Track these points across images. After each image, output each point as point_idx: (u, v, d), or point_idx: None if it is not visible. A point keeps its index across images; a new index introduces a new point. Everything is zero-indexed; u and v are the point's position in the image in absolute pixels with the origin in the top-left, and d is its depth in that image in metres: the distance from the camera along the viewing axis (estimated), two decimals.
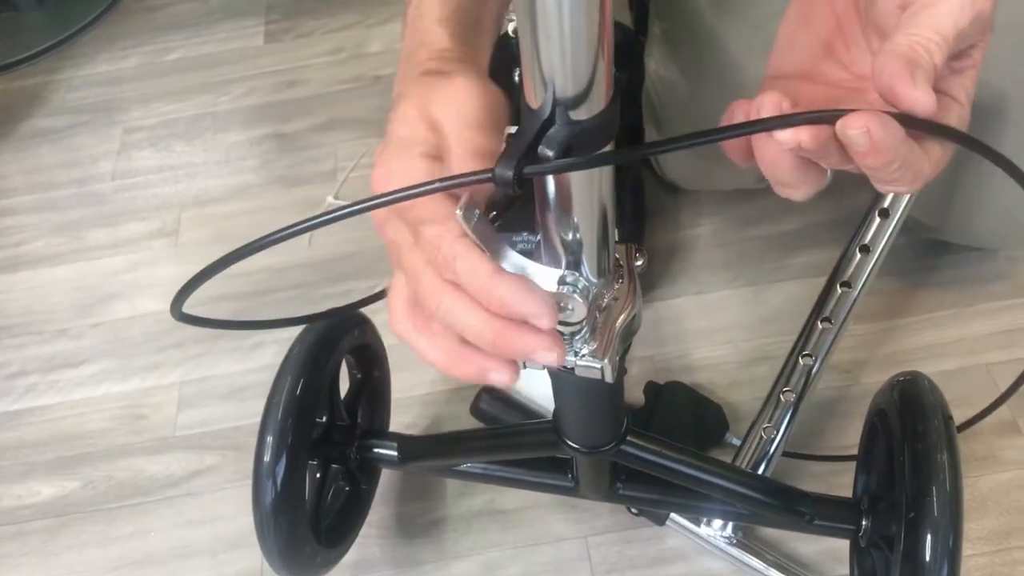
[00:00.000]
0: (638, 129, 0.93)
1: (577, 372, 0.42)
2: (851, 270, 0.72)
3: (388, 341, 0.73)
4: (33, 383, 0.91)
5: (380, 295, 0.49)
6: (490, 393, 0.79)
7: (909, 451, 0.56)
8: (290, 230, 0.33)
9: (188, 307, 0.40)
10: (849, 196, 0.92)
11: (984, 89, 0.72)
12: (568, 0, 0.27)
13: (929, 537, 0.52)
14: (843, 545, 0.70)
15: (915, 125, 0.32)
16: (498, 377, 0.36)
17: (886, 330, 0.84)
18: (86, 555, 0.79)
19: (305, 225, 0.32)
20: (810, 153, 0.32)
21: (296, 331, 0.84)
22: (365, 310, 0.66)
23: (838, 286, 0.71)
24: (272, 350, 0.90)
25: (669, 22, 0.83)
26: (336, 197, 1.03)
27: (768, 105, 0.34)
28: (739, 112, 0.36)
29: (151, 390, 0.89)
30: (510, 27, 0.96)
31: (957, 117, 0.36)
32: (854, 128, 0.31)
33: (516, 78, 1.01)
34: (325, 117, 1.13)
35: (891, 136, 0.31)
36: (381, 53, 1.20)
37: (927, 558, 0.52)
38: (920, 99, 0.32)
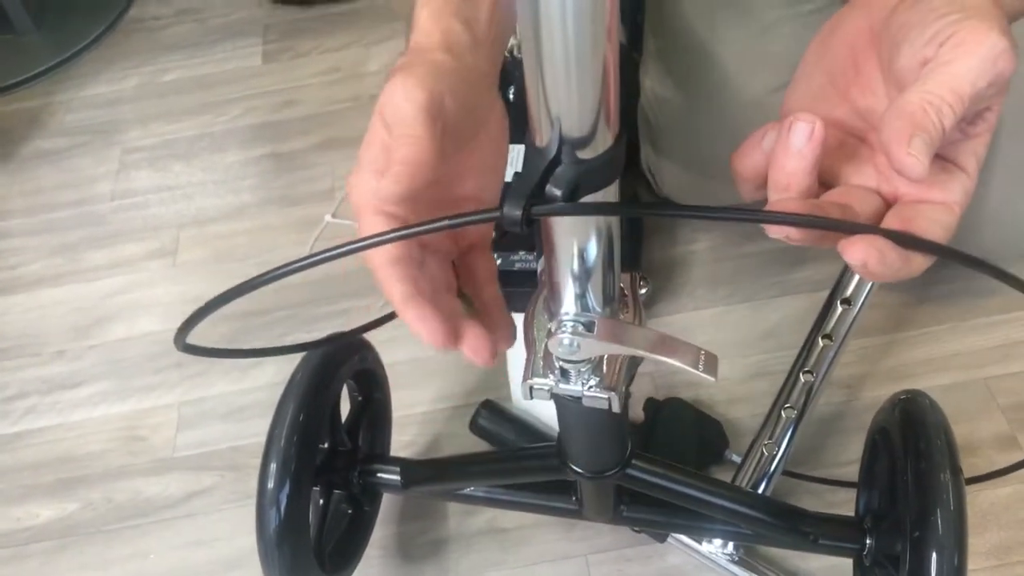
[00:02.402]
0: (632, 146, 0.94)
1: (584, 403, 0.42)
2: (852, 287, 0.72)
3: (387, 360, 0.73)
4: (32, 405, 0.91)
5: (384, 319, 0.49)
6: (489, 409, 0.79)
7: (912, 470, 0.56)
8: (298, 264, 0.32)
9: (169, 326, 0.40)
10: None
11: None
12: (574, 44, 0.27)
13: (934, 556, 0.52)
14: (847, 561, 0.70)
15: (916, 246, 0.31)
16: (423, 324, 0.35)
17: (885, 344, 0.84)
18: None
19: (313, 259, 0.32)
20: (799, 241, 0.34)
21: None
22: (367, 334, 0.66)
23: (839, 303, 0.71)
24: (271, 370, 0.90)
25: (663, 39, 0.84)
26: (334, 216, 1.03)
27: (799, 130, 0.33)
28: (771, 134, 0.36)
29: (150, 411, 0.89)
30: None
31: (962, 188, 0.36)
32: (852, 258, 0.31)
33: (511, 96, 1.01)
34: (323, 136, 1.13)
35: (888, 267, 0.31)
36: (378, 72, 1.20)
37: None
38: (910, 165, 0.32)
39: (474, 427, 0.79)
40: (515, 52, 0.90)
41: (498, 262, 0.81)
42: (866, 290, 0.71)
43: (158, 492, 0.83)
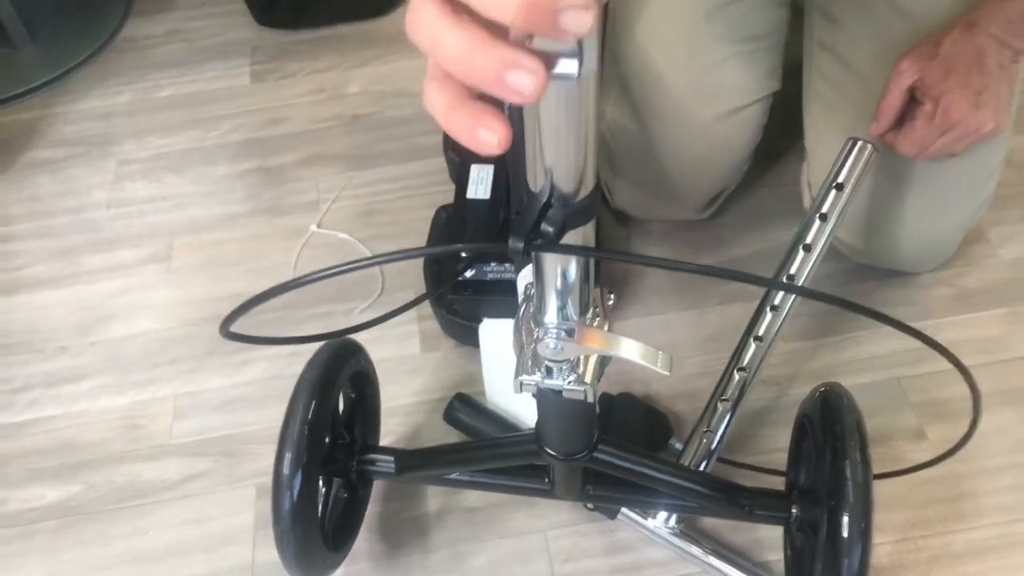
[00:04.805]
0: None
1: (564, 395, 0.51)
2: (779, 296, 0.82)
3: (373, 357, 0.82)
4: (36, 397, 0.98)
5: (398, 311, 0.57)
6: (461, 401, 0.88)
7: (829, 449, 0.65)
8: (337, 269, 0.41)
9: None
10: (777, 230, 1.04)
11: None
12: (565, 122, 0.36)
13: (846, 520, 0.61)
14: (769, 535, 0.80)
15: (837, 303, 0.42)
16: (486, 135, 0.30)
17: (812, 348, 0.95)
18: (89, 552, 0.86)
19: (354, 265, 0.41)
20: None
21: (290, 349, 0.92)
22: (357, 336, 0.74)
23: (768, 309, 0.81)
24: (260, 367, 0.98)
25: (624, 67, 0.93)
26: (319, 226, 1.12)
27: None
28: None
29: (148, 402, 0.97)
30: None
31: None
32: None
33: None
34: (307, 153, 1.22)
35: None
36: (359, 94, 1.29)
37: (845, 537, 0.61)
38: None
39: (447, 417, 0.88)
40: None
41: (472, 273, 0.90)
42: (790, 299, 0.81)
43: (156, 476, 0.91)
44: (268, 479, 0.87)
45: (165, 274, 1.09)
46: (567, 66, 0.31)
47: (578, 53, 0.30)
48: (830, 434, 0.66)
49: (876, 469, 0.65)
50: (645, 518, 0.80)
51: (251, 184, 1.19)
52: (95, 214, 1.16)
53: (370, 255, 1.05)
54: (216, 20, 1.44)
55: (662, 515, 0.79)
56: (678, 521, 0.79)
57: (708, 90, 0.91)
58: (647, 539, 0.81)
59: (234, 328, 0.47)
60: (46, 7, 1.43)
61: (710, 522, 0.82)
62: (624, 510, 0.81)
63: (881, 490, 0.81)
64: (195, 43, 1.40)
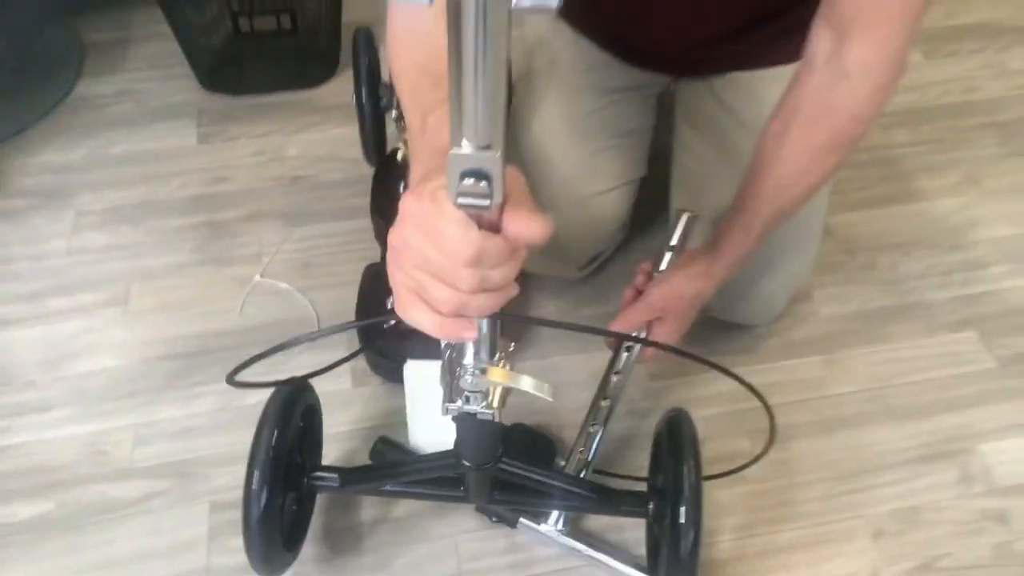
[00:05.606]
0: None
1: (478, 417, 0.70)
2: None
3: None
4: (7, 425, 1.11)
5: (354, 355, 0.74)
6: (384, 442, 1.05)
7: (672, 457, 0.86)
8: (343, 326, 0.59)
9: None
10: None
11: None
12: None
13: (683, 510, 0.82)
14: (634, 536, 1.00)
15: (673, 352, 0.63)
16: (469, 334, 0.56)
17: (668, 386, 1.16)
18: (61, 560, 0.99)
19: (357, 323, 0.58)
20: None
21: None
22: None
23: (624, 348, 1.02)
24: (210, 400, 1.14)
25: (518, 153, 1.12)
26: (262, 276, 1.28)
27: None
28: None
29: (110, 431, 1.11)
30: (400, 155, 1.24)
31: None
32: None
33: (401, 190, 1.32)
34: (251, 209, 1.38)
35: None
36: (297, 157, 1.47)
37: (682, 523, 0.81)
38: None
39: (372, 455, 1.05)
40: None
41: (396, 320, 1.08)
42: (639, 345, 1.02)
43: (120, 494, 1.05)
44: (220, 496, 1.05)
45: (123, 316, 1.23)
46: (482, 201, 0.49)
47: (490, 195, 0.48)
48: (673, 445, 0.87)
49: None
50: (539, 523, 1.00)
51: (200, 236, 1.34)
52: (56, 261, 1.30)
53: (309, 304, 1.22)
54: (163, 83, 1.59)
55: (552, 519, 0.99)
56: (565, 523, 0.99)
57: (587, 172, 1.13)
58: (541, 540, 1.00)
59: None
60: (1, 66, 1.55)
61: (591, 526, 1.02)
62: (522, 519, 1.00)
63: (720, 498, 1.04)
64: (145, 104, 1.55)
